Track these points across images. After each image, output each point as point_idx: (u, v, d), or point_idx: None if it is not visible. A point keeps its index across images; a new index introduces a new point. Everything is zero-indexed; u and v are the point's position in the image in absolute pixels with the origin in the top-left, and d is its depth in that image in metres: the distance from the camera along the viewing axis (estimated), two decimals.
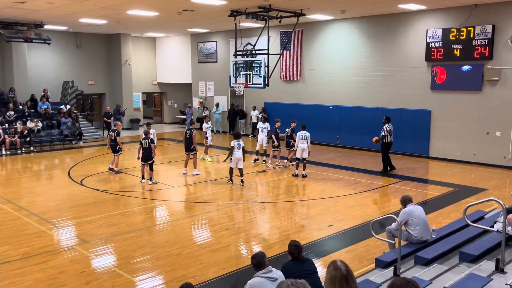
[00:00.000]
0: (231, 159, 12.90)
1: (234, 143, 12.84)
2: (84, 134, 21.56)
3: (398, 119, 17.73)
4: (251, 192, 12.85)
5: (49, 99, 22.14)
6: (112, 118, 22.07)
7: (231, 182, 13.18)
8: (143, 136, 13.50)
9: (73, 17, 18.35)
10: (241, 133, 16.03)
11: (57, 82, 24.22)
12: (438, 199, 11.72)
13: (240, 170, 12.98)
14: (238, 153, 12.80)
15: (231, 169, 13.09)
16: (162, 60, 28.84)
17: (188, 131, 14.34)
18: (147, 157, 13.22)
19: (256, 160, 16.23)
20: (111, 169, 14.89)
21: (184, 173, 14.35)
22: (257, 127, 16.71)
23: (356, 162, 16.51)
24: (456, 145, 16.36)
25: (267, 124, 16.13)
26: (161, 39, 28.50)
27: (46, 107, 21.40)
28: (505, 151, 15.23)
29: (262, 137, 16.02)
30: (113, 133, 14.90)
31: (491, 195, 11.87)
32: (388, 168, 14.88)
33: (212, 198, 11.99)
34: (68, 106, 22.53)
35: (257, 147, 16.31)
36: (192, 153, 14.21)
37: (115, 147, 14.76)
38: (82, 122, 22.76)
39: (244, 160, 13.11)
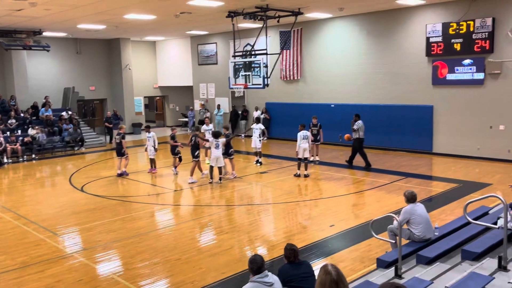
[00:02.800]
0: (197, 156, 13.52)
1: (212, 140, 13.25)
2: (86, 140, 21.54)
3: (400, 116, 17.61)
4: (253, 193, 12.75)
5: (51, 106, 22.14)
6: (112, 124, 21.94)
7: (211, 181, 13.37)
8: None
9: (71, 23, 18.33)
10: (243, 134, 15.97)
11: (58, 88, 24.24)
12: (442, 195, 11.56)
13: (220, 168, 13.37)
14: (216, 152, 13.13)
15: (211, 168, 13.42)
16: (162, 64, 28.81)
17: (193, 137, 14.22)
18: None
19: (259, 162, 16.05)
20: (119, 175, 14.88)
21: (189, 182, 13.79)
22: (251, 127, 16.55)
23: (359, 161, 16.30)
24: (460, 140, 16.18)
25: (260, 125, 16.00)
26: (160, 42, 28.48)
27: (48, 113, 21.40)
28: (509, 145, 15.03)
29: (255, 138, 15.80)
30: (118, 136, 15.09)
31: (495, 190, 11.70)
32: (352, 162, 15.46)
33: (213, 201, 11.90)
34: (70, 112, 22.53)
35: (254, 149, 15.99)
36: (195, 159, 14.16)
37: (120, 150, 14.89)
38: (83, 128, 22.75)
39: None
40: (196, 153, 13.85)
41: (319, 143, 16.07)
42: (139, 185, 13.98)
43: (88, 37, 24.36)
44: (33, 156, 19.03)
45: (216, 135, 13.42)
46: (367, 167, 15.00)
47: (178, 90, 29.19)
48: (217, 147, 13.21)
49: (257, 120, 16.34)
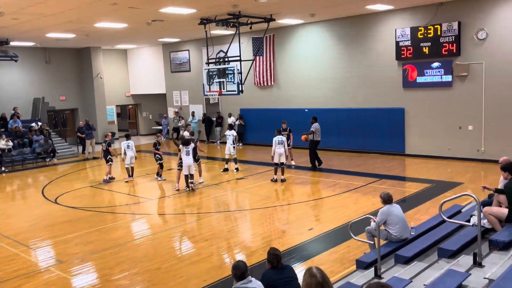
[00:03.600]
0: (181, 165, 13.46)
1: (182, 148, 13.25)
2: (58, 151, 21.10)
3: (373, 118, 17.93)
4: (231, 200, 12.75)
5: (20, 117, 21.63)
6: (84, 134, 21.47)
7: (187, 189, 13.28)
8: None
9: (39, 32, 17.98)
10: (218, 141, 15.98)
11: (27, 99, 23.70)
12: (416, 195, 11.82)
13: (191, 175, 13.32)
14: (187, 159, 13.10)
15: (185, 176, 13.34)
16: (134, 72, 28.54)
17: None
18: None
19: (225, 170, 15.99)
20: (105, 181, 15.34)
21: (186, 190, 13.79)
22: (225, 134, 16.55)
23: (334, 164, 16.57)
24: (431, 141, 16.58)
25: (232, 131, 16.03)
26: (132, 50, 28.22)
27: (17, 125, 20.89)
28: (478, 145, 15.50)
29: (228, 145, 15.77)
30: (104, 144, 15.48)
31: (467, 189, 12.04)
32: (317, 164, 15.91)
33: (191, 209, 11.84)
34: (40, 123, 22.04)
35: (226, 156, 15.99)
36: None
37: (106, 157, 15.31)
38: (55, 138, 22.28)
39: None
40: (196, 157, 13.96)
41: (289, 147, 16.05)
42: (115, 195, 13.79)
43: (57, 46, 23.94)
44: (3, 169, 18.51)
45: (185, 142, 13.39)
46: (313, 168, 15.77)
47: (151, 98, 28.95)
48: (187, 154, 13.18)
49: (230, 127, 16.38)
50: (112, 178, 15.49)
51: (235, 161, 15.96)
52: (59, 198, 13.43)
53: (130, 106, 30.43)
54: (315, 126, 15.57)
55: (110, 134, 16.47)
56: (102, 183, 15.17)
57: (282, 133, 15.84)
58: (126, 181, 15.23)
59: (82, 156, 21.34)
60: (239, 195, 13.10)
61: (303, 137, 15.58)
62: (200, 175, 14.41)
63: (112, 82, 27.26)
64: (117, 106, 28.66)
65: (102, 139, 25.46)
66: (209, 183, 14.40)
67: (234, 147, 15.72)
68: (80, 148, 22.35)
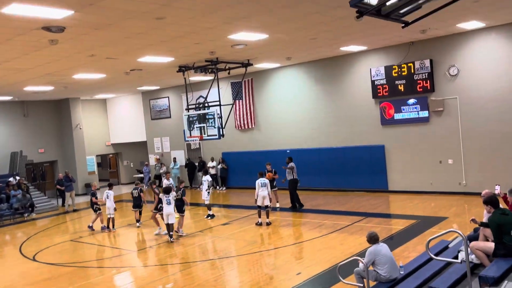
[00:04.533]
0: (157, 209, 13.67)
1: (162, 196, 13.09)
2: (37, 205, 20.57)
3: (354, 156, 18.05)
4: (216, 247, 12.47)
5: None
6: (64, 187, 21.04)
7: (171, 240, 12.85)
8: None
9: (17, 86, 17.89)
10: (200, 186, 15.87)
11: (4, 153, 23.29)
12: (403, 232, 11.74)
13: (171, 225, 12.90)
14: (168, 208, 12.83)
15: (167, 225, 12.96)
16: (114, 121, 28.45)
17: (135, 190, 14.93)
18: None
19: (209, 215, 15.68)
20: (90, 227, 15.52)
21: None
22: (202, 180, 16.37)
23: (319, 204, 16.48)
24: (413, 176, 16.69)
25: (207, 177, 15.91)
26: (111, 99, 28.25)
27: None
28: (459, 178, 15.65)
29: (204, 190, 15.56)
30: (89, 194, 15.82)
31: (452, 223, 12.05)
32: (297, 205, 15.87)
33: (175, 259, 11.51)
34: (18, 178, 21.57)
35: (206, 202, 15.68)
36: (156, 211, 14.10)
37: (93, 207, 15.44)
38: (33, 192, 21.78)
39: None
40: (182, 209, 13.72)
41: (275, 189, 16.09)
42: (97, 248, 13.37)
43: (35, 99, 23.83)
44: None
45: (166, 190, 13.17)
46: (293, 208, 15.77)
47: (132, 146, 28.76)
48: (168, 203, 12.90)
49: (205, 172, 16.33)
50: (92, 229, 15.37)
51: (208, 207, 15.64)
52: (38, 254, 12.95)
53: (111, 155, 30.13)
54: (290, 165, 15.74)
55: (95, 184, 16.55)
56: (100, 231, 15.20)
57: (267, 174, 15.81)
58: (107, 232, 15.09)
59: (62, 209, 20.84)
60: (224, 242, 12.83)
61: (268, 174, 15.30)
62: (181, 227, 13.90)
63: (92, 132, 27.08)
64: (97, 156, 28.34)
65: (82, 191, 25.10)
66: (193, 230, 14.11)
67: (208, 192, 15.53)
68: (60, 200, 21.86)
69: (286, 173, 15.88)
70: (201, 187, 16.18)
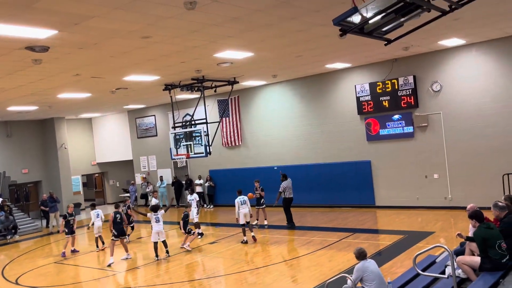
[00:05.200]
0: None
1: (151, 216, 13.03)
2: (20, 227, 20.15)
3: (341, 173, 18.10)
4: (204, 266, 12.32)
5: None
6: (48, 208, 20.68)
7: (157, 259, 12.80)
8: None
9: (0, 107, 17.69)
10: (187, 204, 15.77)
11: None
12: (390, 248, 11.75)
13: (163, 242, 13.05)
14: (157, 227, 12.90)
15: (155, 244, 12.93)
16: (100, 140, 28.22)
17: (118, 215, 13.82)
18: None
19: (199, 233, 15.51)
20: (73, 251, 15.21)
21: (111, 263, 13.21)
22: (188, 199, 16.26)
23: (307, 220, 16.44)
24: (399, 191, 16.78)
25: (195, 195, 15.84)
26: (97, 118, 28.06)
27: None
28: (444, 192, 15.77)
29: (192, 209, 15.45)
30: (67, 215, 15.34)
31: (439, 237, 12.10)
32: (287, 223, 15.67)
33: (163, 279, 11.33)
34: (0, 199, 21.15)
35: (194, 220, 15.48)
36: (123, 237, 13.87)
37: (70, 229, 15.10)
38: (17, 214, 21.34)
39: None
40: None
41: (263, 206, 16.04)
42: (82, 270, 13.13)
43: (19, 119, 23.56)
44: None
45: (154, 208, 13.17)
46: (289, 227, 15.50)
47: (118, 165, 28.48)
48: (157, 221, 12.93)
49: (192, 191, 16.31)
50: (76, 251, 15.20)
51: (197, 226, 15.51)
52: (21, 278, 12.64)
53: (96, 175, 29.79)
54: (285, 183, 15.57)
55: (72, 205, 16.00)
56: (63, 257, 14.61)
57: (256, 192, 15.74)
58: (97, 251, 15.03)
59: (46, 231, 20.46)
60: (212, 261, 12.68)
61: (249, 194, 15.01)
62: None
63: (77, 152, 26.78)
64: (82, 175, 28.00)
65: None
66: (179, 250, 13.94)
67: (197, 211, 15.48)
68: (44, 222, 21.47)
69: (278, 194, 15.65)
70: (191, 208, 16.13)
